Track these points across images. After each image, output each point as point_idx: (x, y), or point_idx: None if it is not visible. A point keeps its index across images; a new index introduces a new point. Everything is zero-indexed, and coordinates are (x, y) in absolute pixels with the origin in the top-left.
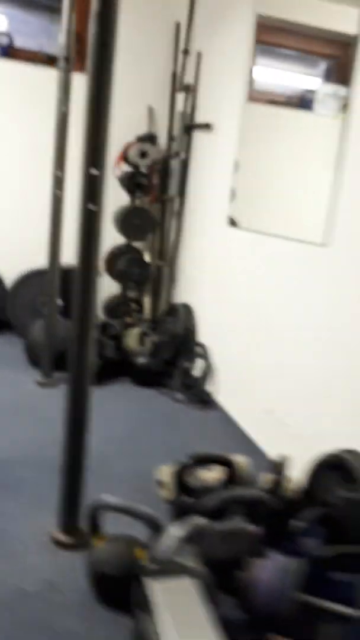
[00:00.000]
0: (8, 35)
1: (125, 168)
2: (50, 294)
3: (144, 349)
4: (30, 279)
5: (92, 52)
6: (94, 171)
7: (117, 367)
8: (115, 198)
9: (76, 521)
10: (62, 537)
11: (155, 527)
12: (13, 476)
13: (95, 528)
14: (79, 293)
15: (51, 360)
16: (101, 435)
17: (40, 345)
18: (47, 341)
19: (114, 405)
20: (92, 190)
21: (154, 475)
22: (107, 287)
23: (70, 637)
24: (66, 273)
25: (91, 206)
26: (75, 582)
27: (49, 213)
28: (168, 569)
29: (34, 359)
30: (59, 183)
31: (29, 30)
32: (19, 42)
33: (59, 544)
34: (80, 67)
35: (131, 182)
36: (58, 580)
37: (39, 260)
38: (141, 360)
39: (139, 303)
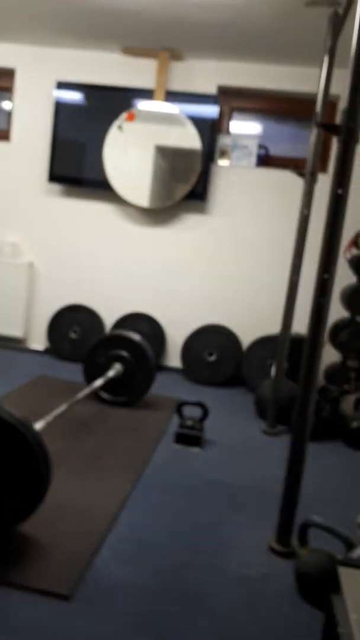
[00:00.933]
0: (265, 147)
1: (355, 252)
2: (279, 357)
3: (358, 414)
4: (263, 343)
5: (336, 169)
6: (326, 275)
7: (332, 429)
8: (342, 276)
9: (289, 536)
10: (277, 547)
11: (350, 546)
12: (242, 499)
13: (303, 541)
14: (306, 358)
15: (275, 413)
16: (312, 480)
17: (267, 400)
18: (273, 397)
19: (326, 459)
20: (324, 286)
21: (356, 520)
22: (328, 355)
23: (277, 615)
24: (294, 340)
25: (321, 300)
26: (285, 577)
27: (286, 292)
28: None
29: (262, 411)
30: (296, 270)
31: (280, 137)
32: (272, 149)
33: (274, 551)
34: (323, 168)
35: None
36: (272, 574)
37: (271, 327)
38: (355, 424)
39: (358, 372)
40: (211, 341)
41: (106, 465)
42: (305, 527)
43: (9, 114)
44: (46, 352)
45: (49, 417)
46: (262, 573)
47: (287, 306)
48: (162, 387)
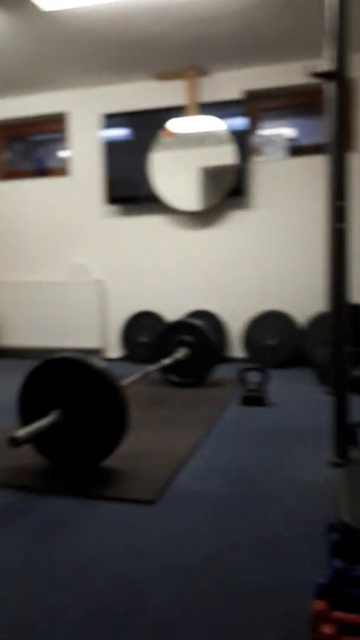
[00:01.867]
0: (296, 139)
1: None
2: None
3: None
4: (319, 320)
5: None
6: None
7: None
8: None
9: (345, 450)
10: (336, 460)
11: None
12: (306, 437)
13: (355, 442)
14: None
15: (334, 382)
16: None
17: (325, 368)
18: (330, 365)
19: None
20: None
21: None
22: None
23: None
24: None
25: None
26: None
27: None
28: None
29: (323, 378)
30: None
31: (310, 131)
32: (303, 141)
33: (334, 464)
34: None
35: None
36: (331, 480)
37: (323, 304)
38: None
39: None
40: (269, 326)
41: (180, 425)
42: (354, 428)
43: (66, 152)
44: (122, 359)
45: (125, 381)
46: (325, 479)
47: (335, 270)
48: (226, 373)
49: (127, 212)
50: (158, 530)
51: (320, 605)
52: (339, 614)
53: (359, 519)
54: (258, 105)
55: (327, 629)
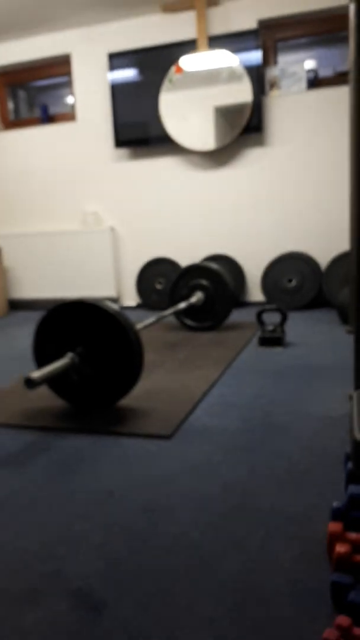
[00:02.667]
0: (314, 70)
1: None
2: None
3: None
4: (341, 260)
5: None
6: None
7: None
8: None
9: None
10: (354, 393)
11: None
12: (324, 374)
13: None
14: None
15: (355, 314)
16: None
17: (347, 307)
18: (351, 301)
19: None
20: None
21: None
22: None
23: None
24: None
25: None
26: None
27: (353, 188)
28: None
29: (345, 317)
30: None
31: (329, 61)
32: (322, 73)
33: (351, 398)
34: None
35: None
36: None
37: (345, 245)
38: None
39: None
40: (289, 268)
41: (197, 365)
42: None
43: (72, 96)
44: (138, 306)
45: (140, 325)
46: (342, 413)
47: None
48: (245, 317)
49: (138, 155)
50: (175, 462)
51: (335, 526)
52: (353, 535)
53: None
54: (274, 35)
55: (342, 548)
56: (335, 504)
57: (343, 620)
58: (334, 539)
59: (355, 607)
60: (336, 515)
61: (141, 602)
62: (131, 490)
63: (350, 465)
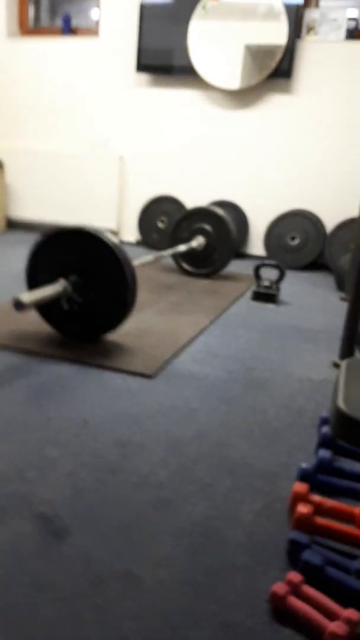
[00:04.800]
0: (357, 20)
1: None
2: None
3: None
4: (347, 226)
5: None
6: None
7: None
8: None
9: (351, 354)
10: (340, 362)
11: None
12: (312, 336)
13: None
14: None
15: (353, 283)
16: None
17: (345, 273)
18: (351, 269)
19: None
20: None
21: None
22: None
23: None
24: None
25: None
26: None
27: None
28: None
29: (342, 284)
30: None
31: None
32: None
33: (337, 366)
34: None
35: None
36: (331, 379)
37: (354, 211)
38: None
39: None
40: (294, 226)
41: (188, 310)
42: None
43: (97, 10)
44: (137, 243)
45: (137, 262)
46: (323, 378)
47: None
48: (244, 269)
49: (158, 83)
50: (153, 402)
51: (300, 487)
52: (316, 498)
53: (353, 407)
54: None
55: (303, 509)
56: (303, 465)
57: (294, 576)
58: (297, 498)
59: (308, 566)
60: (303, 476)
61: (103, 534)
62: (106, 423)
63: (324, 429)
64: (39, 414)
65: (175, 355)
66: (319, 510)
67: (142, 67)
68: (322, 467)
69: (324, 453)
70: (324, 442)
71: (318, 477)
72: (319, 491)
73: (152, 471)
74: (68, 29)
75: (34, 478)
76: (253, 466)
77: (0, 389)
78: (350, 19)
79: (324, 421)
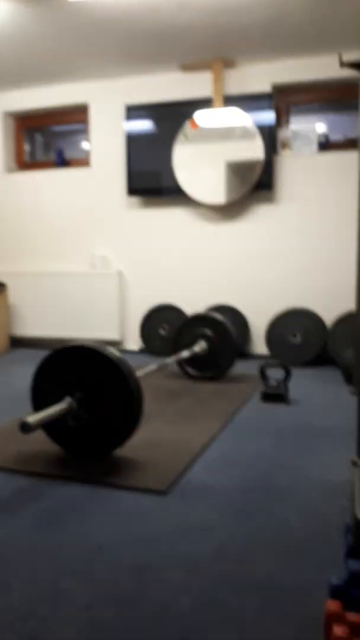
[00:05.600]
0: (325, 135)
1: None
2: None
3: None
4: (347, 320)
5: None
6: None
7: None
8: None
9: None
10: (358, 460)
11: None
12: (326, 435)
13: None
14: None
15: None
16: None
17: (352, 367)
18: (356, 365)
19: None
20: None
21: None
22: None
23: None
24: None
25: None
26: None
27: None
28: None
29: (349, 378)
30: None
31: (339, 127)
32: (333, 137)
33: (356, 464)
34: None
35: None
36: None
37: (352, 305)
38: None
39: None
40: (294, 323)
41: (197, 416)
42: None
43: (88, 143)
44: (141, 351)
45: (141, 372)
46: (343, 479)
47: None
48: (248, 369)
49: (149, 204)
50: (169, 520)
51: (333, 605)
52: (352, 616)
53: None
54: (287, 99)
55: (339, 631)
56: (333, 580)
57: None
58: (331, 619)
59: None
60: (334, 593)
61: None
62: (121, 547)
63: (349, 538)
64: (50, 541)
65: (188, 466)
66: (356, 630)
67: (132, 191)
68: (354, 580)
69: (354, 565)
70: (351, 552)
71: (351, 592)
72: (354, 608)
73: (173, 598)
74: (61, 161)
75: (48, 614)
76: (280, 584)
77: (9, 515)
78: (319, 134)
79: (349, 529)
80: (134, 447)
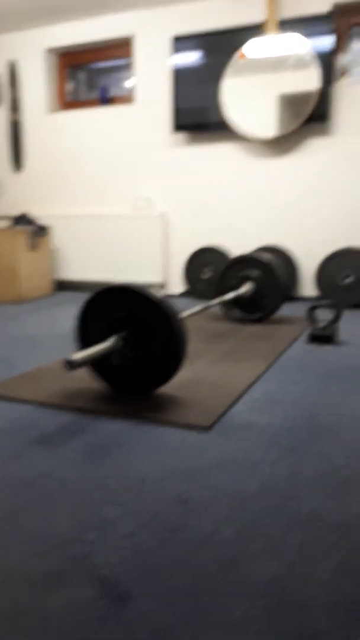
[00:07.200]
0: None
1: None
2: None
3: None
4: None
5: None
6: None
7: None
8: None
9: None
10: None
11: None
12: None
13: None
14: None
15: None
16: None
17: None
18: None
19: None
20: None
21: None
22: None
23: None
24: None
25: None
26: None
27: None
28: None
29: None
30: None
31: None
32: None
33: None
34: None
35: None
36: None
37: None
38: None
39: None
40: (346, 264)
41: (242, 357)
42: None
43: (132, 79)
44: (185, 294)
45: (186, 313)
46: None
47: None
48: (296, 312)
49: (195, 141)
50: (212, 455)
51: None
52: None
53: None
54: (349, 19)
55: None
56: None
57: None
58: None
59: None
60: None
61: (167, 598)
62: (165, 480)
63: None
64: (96, 474)
65: (232, 404)
66: None
67: (178, 127)
68: None
69: None
70: None
71: None
72: None
73: (216, 529)
74: (105, 99)
75: (94, 540)
76: (325, 519)
77: (56, 449)
78: None
79: None
80: (178, 385)
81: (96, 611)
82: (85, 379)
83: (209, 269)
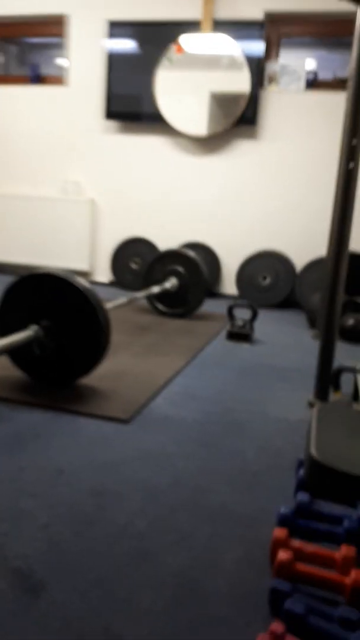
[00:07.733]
0: (314, 72)
1: None
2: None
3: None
4: (317, 265)
5: None
6: None
7: None
8: None
9: (325, 393)
10: (315, 401)
11: None
12: (287, 375)
13: (336, 386)
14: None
15: (323, 325)
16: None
17: (316, 312)
18: (321, 310)
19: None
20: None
21: None
22: None
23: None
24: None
25: None
26: None
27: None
28: None
29: (313, 322)
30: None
31: (330, 65)
32: (322, 75)
33: (312, 405)
34: None
35: None
36: (307, 419)
37: (324, 250)
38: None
39: None
40: (265, 266)
41: (164, 351)
42: (338, 372)
43: (64, 59)
44: (111, 284)
45: (110, 304)
46: (299, 418)
47: (340, 214)
48: (217, 308)
49: (127, 130)
50: (129, 448)
51: (280, 532)
52: (296, 543)
53: (325, 454)
54: (279, 30)
55: (284, 555)
56: (282, 509)
57: (277, 626)
58: (277, 544)
59: (290, 615)
60: (282, 521)
61: (80, 589)
62: (82, 472)
63: (302, 472)
64: (12, 464)
65: (152, 398)
66: (299, 555)
67: (111, 114)
68: (301, 510)
69: (302, 496)
70: (302, 485)
71: (298, 521)
72: (299, 536)
73: (130, 521)
74: (36, 77)
75: (8, 531)
76: (233, 512)
77: None
78: (308, 72)
79: (301, 464)
80: (99, 377)
81: (9, 602)
82: (3, 366)
83: (136, 260)
